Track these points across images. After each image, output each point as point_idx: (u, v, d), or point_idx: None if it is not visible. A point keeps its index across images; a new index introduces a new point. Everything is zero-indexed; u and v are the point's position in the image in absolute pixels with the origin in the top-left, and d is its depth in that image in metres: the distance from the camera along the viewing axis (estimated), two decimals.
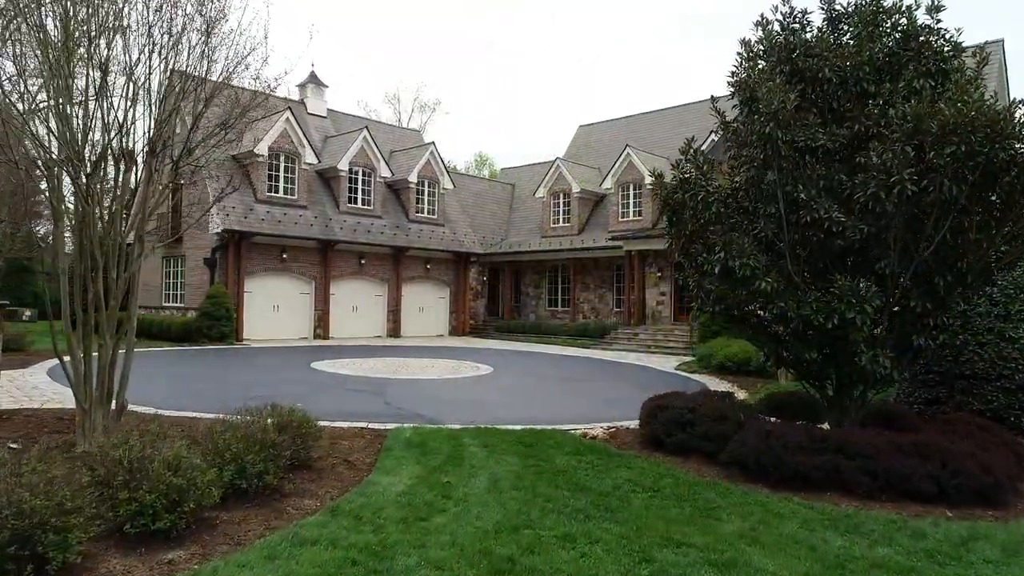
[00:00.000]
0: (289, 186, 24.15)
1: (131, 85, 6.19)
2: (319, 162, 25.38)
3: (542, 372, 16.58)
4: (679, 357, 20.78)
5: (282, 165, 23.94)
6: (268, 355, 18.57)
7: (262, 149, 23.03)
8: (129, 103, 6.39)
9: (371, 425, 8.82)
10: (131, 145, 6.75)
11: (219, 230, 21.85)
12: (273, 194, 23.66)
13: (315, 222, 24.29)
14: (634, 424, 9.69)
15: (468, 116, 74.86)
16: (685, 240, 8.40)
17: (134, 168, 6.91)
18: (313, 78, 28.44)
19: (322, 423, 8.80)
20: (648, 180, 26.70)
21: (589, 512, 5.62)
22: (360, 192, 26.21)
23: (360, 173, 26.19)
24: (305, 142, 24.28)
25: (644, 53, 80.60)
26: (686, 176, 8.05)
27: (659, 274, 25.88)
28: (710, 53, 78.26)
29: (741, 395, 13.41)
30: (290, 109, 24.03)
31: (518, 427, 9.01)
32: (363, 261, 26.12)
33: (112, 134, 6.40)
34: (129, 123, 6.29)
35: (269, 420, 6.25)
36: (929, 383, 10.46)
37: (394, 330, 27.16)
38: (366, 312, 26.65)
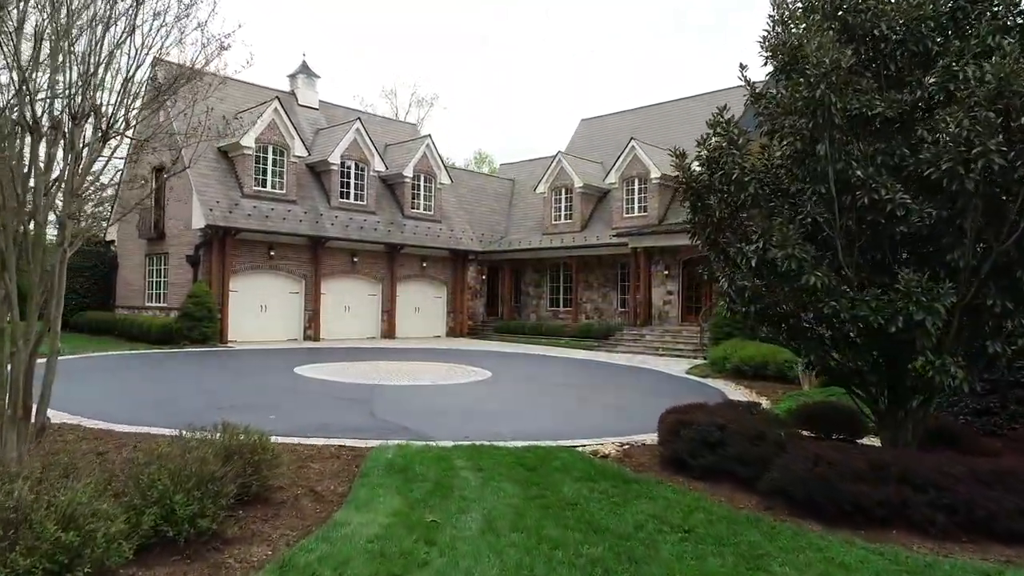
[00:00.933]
0: (277, 180, 22.98)
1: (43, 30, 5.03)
2: (309, 155, 24.21)
3: (544, 377, 15.43)
4: (689, 360, 19.63)
5: (270, 158, 22.77)
6: (251, 358, 17.41)
7: (248, 141, 21.88)
8: (44, 58, 5.24)
9: (349, 443, 7.67)
10: (52, 111, 5.59)
11: (202, 225, 20.69)
12: (260, 188, 22.49)
13: (305, 218, 23.13)
14: (650, 439, 8.57)
15: (463, 112, 73.78)
16: (712, 229, 7.26)
17: (61, 139, 5.74)
18: (304, 68, 27.26)
19: (293, 440, 7.68)
20: (655, 175, 25.58)
21: (608, 565, 4.47)
22: (353, 187, 25.05)
23: (353, 167, 25.03)
24: (294, 134, 23.12)
25: (638, 48, 79.52)
26: (714, 153, 6.91)
27: (666, 272, 24.72)
28: (704, 47, 77.19)
29: (763, 403, 12.28)
30: (279, 99, 22.87)
31: (519, 444, 7.88)
32: (356, 259, 24.96)
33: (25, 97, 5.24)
34: (37, 83, 5.13)
35: (213, 445, 5.09)
36: (978, 392, 9.32)
37: (389, 331, 26.00)
38: (359, 312, 25.49)
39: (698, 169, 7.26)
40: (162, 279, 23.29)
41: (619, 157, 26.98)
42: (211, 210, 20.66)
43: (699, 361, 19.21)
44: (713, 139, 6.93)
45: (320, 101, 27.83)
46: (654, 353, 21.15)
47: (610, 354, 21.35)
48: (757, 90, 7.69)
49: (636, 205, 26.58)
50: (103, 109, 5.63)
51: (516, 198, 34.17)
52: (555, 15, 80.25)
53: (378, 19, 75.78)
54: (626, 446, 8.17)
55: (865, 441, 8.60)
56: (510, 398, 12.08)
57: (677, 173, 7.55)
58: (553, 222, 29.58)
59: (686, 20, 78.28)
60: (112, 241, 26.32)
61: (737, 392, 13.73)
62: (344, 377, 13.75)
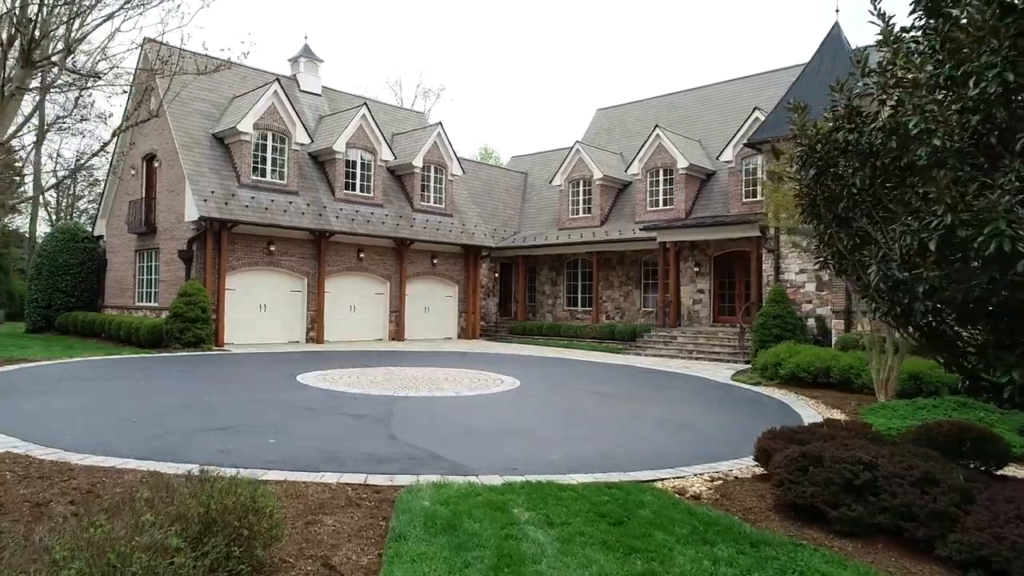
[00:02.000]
0: (277, 169, 21.27)
1: None
2: (312, 142, 22.49)
3: (578, 384, 13.72)
4: (728, 364, 17.92)
5: (269, 145, 21.05)
6: (248, 364, 15.71)
7: (246, 126, 20.16)
8: None
9: (372, 479, 5.98)
10: None
11: (195, 217, 18.96)
12: (259, 178, 20.78)
13: (307, 210, 21.41)
14: (738, 468, 6.95)
15: (463, 111, 72.02)
16: (846, 203, 5.56)
17: None
18: (306, 51, 25.54)
19: (299, 478, 5.97)
20: (682, 165, 23.86)
21: None
22: (359, 177, 23.33)
23: (359, 156, 23.31)
24: (296, 119, 21.40)
25: (639, 46, 77.78)
26: (859, 102, 5.22)
27: (696, 269, 22.99)
28: (703, 45, 75.46)
29: (838, 417, 10.60)
30: (279, 81, 21.14)
31: (583, 479, 6.21)
32: (362, 255, 23.25)
33: None
34: None
35: (182, 517, 3.39)
36: None
37: (397, 333, 24.29)
38: (365, 312, 23.78)
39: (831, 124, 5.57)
40: (153, 277, 21.57)
41: (642, 146, 25.26)
42: (205, 200, 18.94)
43: (741, 366, 17.52)
44: (859, 83, 5.23)
45: (323, 87, 26.11)
46: (688, 356, 19.44)
47: (640, 357, 19.64)
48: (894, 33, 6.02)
49: (661, 198, 24.87)
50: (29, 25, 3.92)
51: (529, 192, 32.47)
52: (555, 14, 78.54)
53: (377, 17, 74.04)
54: (717, 481, 6.48)
55: (1011, 471, 6.94)
56: (549, 412, 10.37)
57: (800, 135, 5.86)
58: (570, 216, 27.87)
59: (685, 19, 76.56)
60: (101, 236, 24.61)
61: (800, 403, 12.03)
62: (354, 387, 12.04)
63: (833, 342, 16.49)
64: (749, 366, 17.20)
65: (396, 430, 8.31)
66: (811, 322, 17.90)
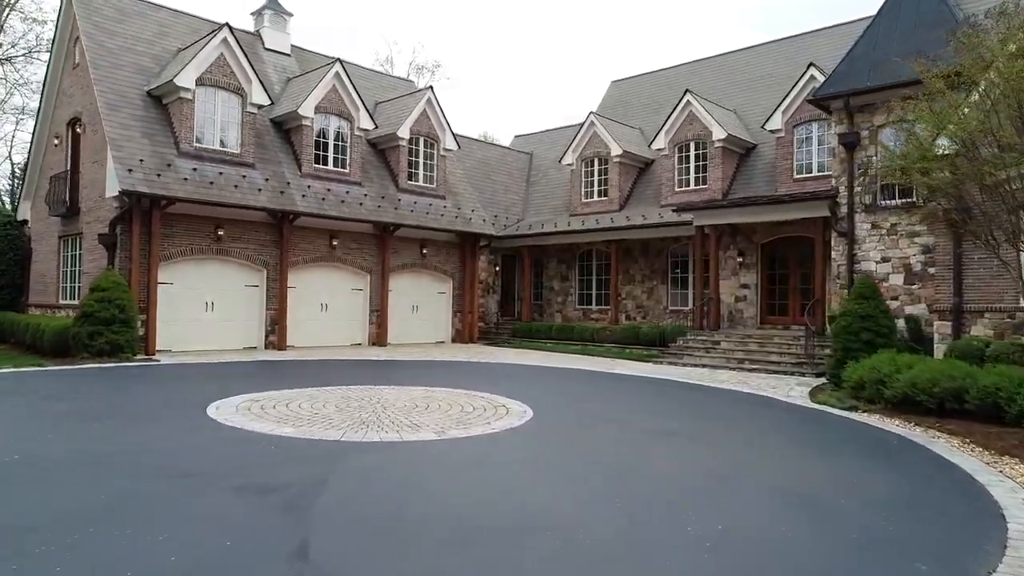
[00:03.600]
0: (229, 135, 17.33)
1: None
2: (272, 104, 18.56)
3: (616, 414, 9.83)
4: (796, 378, 14.01)
5: (218, 106, 17.10)
6: (160, 384, 11.80)
7: (186, 80, 16.23)
8: None
9: None
10: None
11: (116, 192, 15.04)
12: (204, 145, 16.83)
13: (266, 186, 17.48)
14: None
15: (460, 92, 67.93)
16: None
17: None
18: (272, 2, 21.60)
19: None
20: (718, 135, 19.98)
21: None
22: (331, 149, 19.40)
23: (331, 123, 19.39)
24: (252, 76, 17.46)
25: (638, 34, 73.76)
26: None
27: (740, 259, 19.09)
28: (696, 32, 71.46)
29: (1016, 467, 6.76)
30: (229, 27, 17.18)
31: None
32: (335, 242, 19.32)
33: None
34: None
35: None
36: None
37: (378, 336, 20.37)
38: (340, 312, 19.86)
39: None
40: (77, 268, 17.66)
41: (670, 116, 21.37)
42: (130, 171, 14.99)
43: (812, 380, 13.64)
44: None
45: (292, 46, 22.16)
46: (738, 367, 15.52)
47: (677, 368, 15.73)
48: None
49: (692, 176, 20.99)
50: None
51: (535, 174, 28.58)
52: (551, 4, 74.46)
53: (365, 10, 69.92)
54: None
55: None
56: (587, 474, 6.44)
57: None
58: (583, 200, 23.98)
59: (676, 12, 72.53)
60: (25, 221, 20.68)
61: (940, 443, 8.29)
62: (286, 424, 8.12)
63: (938, 350, 12.61)
64: (823, 380, 13.35)
65: (318, 531, 4.41)
66: (899, 324, 14.02)
